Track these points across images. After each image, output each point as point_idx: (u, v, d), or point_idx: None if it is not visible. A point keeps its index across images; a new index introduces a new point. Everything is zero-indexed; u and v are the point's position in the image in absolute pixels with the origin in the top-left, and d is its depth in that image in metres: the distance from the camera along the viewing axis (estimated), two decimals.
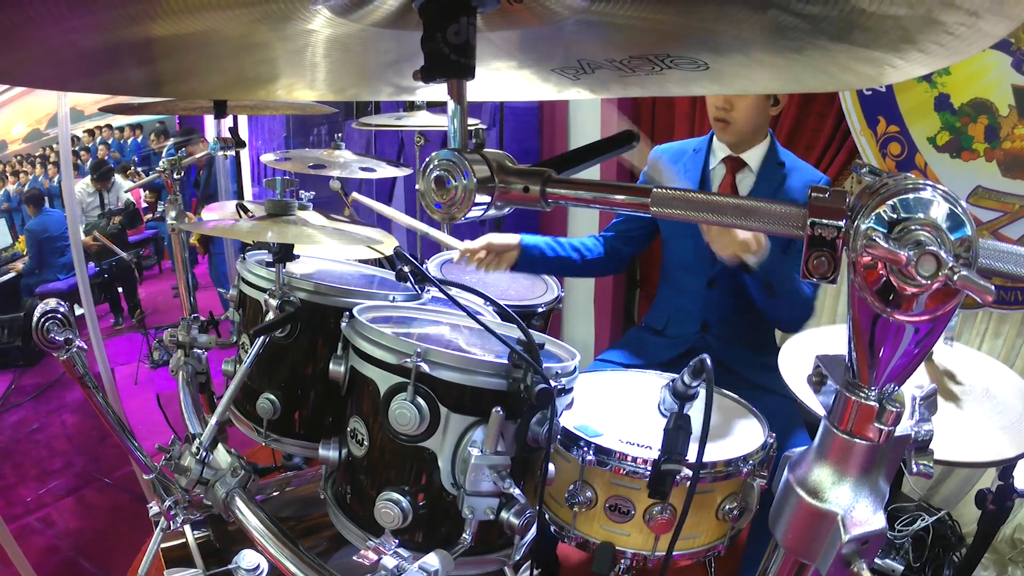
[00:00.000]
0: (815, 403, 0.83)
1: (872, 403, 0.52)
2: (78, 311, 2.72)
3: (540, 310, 1.63)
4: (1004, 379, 1.38)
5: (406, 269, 1.18)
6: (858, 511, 0.54)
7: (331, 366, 1.08)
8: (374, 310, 1.18)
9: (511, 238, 1.83)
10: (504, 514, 0.96)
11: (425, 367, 0.94)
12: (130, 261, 4.25)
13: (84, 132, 4.71)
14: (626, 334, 2.12)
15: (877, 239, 0.45)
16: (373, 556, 0.88)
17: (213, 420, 1.16)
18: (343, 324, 1.08)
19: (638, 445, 1.30)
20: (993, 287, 0.44)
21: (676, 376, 1.05)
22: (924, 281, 0.44)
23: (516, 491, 0.94)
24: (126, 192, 4.53)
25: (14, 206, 3.89)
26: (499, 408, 0.93)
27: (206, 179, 4.09)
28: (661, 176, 1.77)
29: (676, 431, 1.03)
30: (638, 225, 1.99)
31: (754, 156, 1.86)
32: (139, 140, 5.03)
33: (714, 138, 1.90)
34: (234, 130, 1.78)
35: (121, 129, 4.97)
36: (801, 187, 1.82)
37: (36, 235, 3.79)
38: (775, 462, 1.38)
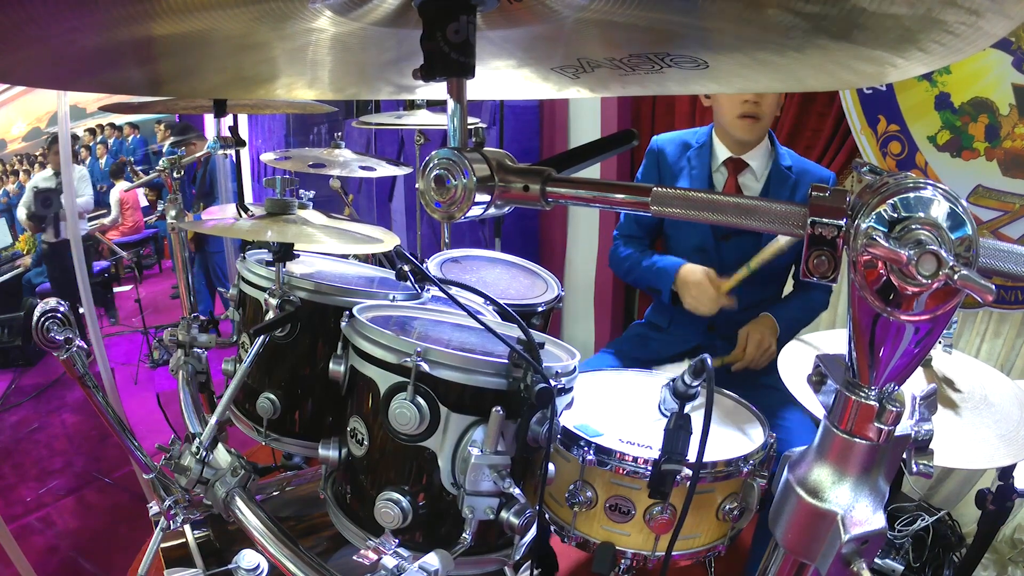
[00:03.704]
0: (815, 403, 0.83)
1: (872, 403, 0.52)
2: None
3: (540, 309, 1.63)
4: (1002, 387, 1.37)
5: (406, 268, 1.17)
6: (858, 511, 0.54)
7: (331, 366, 1.08)
8: (374, 309, 1.18)
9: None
10: (504, 514, 0.95)
11: (425, 366, 0.94)
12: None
13: (85, 131, 4.72)
14: (627, 329, 2.10)
15: (878, 238, 0.45)
16: (373, 556, 0.88)
17: (213, 419, 1.16)
18: (343, 323, 1.08)
19: (638, 445, 1.30)
20: (993, 286, 0.43)
21: (676, 376, 1.05)
22: (925, 280, 0.44)
23: (516, 491, 0.93)
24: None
25: (15, 204, 3.91)
26: (499, 408, 0.92)
27: (202, 176, 4.09)
28: None
29: (676, 431, 1.03)
30: (647, 222, 1.96)
31: (757, 157, 1.80)
32: (139, 139, 5.05)
33: (713, 138, 1.85)
34: (234, 129, 1.78)
35: (120, 128, 4.98)
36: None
37: None
38: (775, 462, 1.38)
